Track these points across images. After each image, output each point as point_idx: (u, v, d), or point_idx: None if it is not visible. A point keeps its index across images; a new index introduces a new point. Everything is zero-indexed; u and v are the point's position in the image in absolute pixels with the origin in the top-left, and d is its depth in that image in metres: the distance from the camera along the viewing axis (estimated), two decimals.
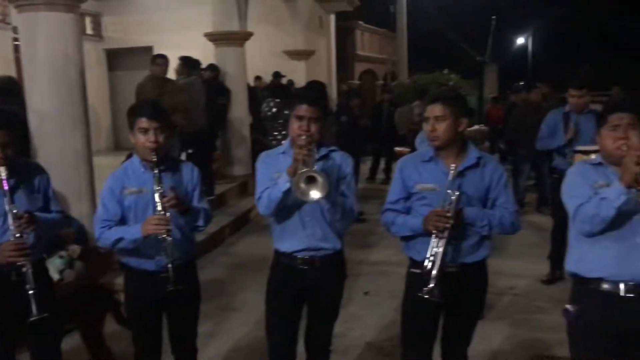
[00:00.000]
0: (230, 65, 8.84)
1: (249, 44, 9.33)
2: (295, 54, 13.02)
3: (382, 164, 11.24)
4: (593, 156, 4.46)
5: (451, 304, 2.86)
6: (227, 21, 8.77)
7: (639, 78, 21.38)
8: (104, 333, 4.10)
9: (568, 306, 2.62)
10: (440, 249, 2.68)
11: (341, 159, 2.97)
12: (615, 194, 2.36)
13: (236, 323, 4.70)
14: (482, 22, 22.46)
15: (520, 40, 34.38)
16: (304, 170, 2.60)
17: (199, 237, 6.33)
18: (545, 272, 5.46)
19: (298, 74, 12.71)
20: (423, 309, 2.85)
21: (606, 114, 2.58)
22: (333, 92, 15.96)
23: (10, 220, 2.73)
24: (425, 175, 2.84)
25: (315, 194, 2.60)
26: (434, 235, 2.69)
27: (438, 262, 2.67)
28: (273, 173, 2.91)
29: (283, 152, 2.98)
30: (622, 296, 2.48)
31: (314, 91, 3.58)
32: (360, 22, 21.69)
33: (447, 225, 2.65)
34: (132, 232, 2.86)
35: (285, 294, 2.99)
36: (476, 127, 14.37)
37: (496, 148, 11.88)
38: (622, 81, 17.79)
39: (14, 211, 2.72)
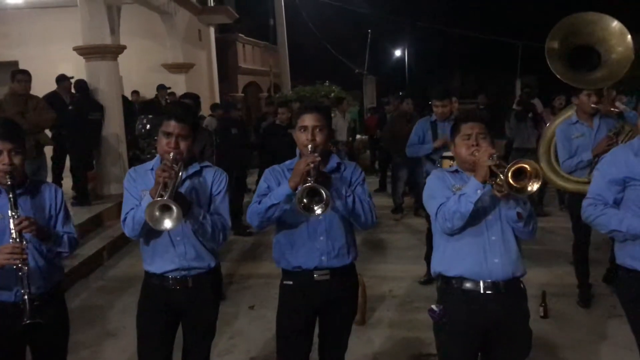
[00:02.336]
0: (102, 80, 8.48)
1: (124, 58, 9.01)
2: (175, 68, 12.76)
3: None
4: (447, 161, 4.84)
5: (324, 311, 2.92)
6: (97, 34, 8.41)
7: (503, 86, 23.15)
8: None
9: (433, 306, 2.76)
10: None
11: (214, 176, 2.92)
12: (472, 189, 2.54)
13: (115, 350, 4.48)
14: (360, 35, 23.31)
15: (397, 53, 36.02)
16: (158, 199, 2.48)
17: (74, 261, 6.02)
18: (422, 273, 5.71)
19: (178, 88, 12.41)
20: (296, 319, 2.89)
21: (459, 124, 2.78)
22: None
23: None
24: None
25: (167, 224, 2.49)
26: None
27: None
28: (140, 191, 2.81)
29: (152, 169, 2.87)
30: (482, 293, 2.65)
31: (183, 106, 3.51)
32: (241, 35, 21.66)
33: None
34: None
35: (157, 316, 2.88)
36: (358, 137, 14.87)
37: (376, 155, 12.33)
38: (489, 88, 19.22)
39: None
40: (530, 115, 8.11)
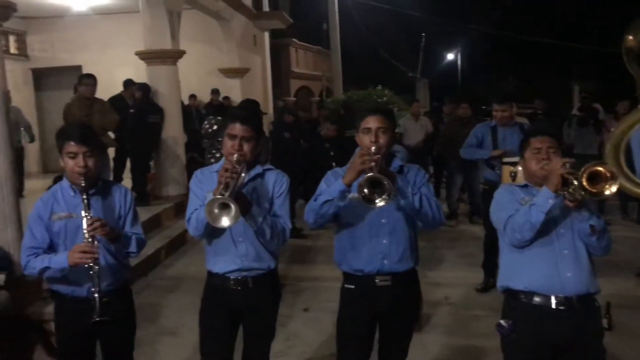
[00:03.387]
0: (162, 84, 8.70)
1: (182, 63, 9.23)
2: (230, 72, 12.98)
3: None
4: (520, 167, 4.70)
5: (384, 317, 2.90)
6: (158, 39, 8.64)
7: (558, 90, 22.54)
8: None
9: (501, 321, 2.69)
10: None
11: (276, 178, 2.95)
12: (543, 199, 2.48)
13: (174, 348, 4.59)
14: (413, 39, 23.16)
15: (450, 56, 35.61)
16: (218, 196, 2.52)
17: (134, 260, 6.15)
18: (479, 281, 5.61)
19: (233, 92, 12.66)
20: (357, 324, 2.88)
21: (528, 137, 2.75)
22: (270, 109, 15.98)
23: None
24: None
25: (225, 222, 2.52)
26: None
27: None
28: (205, 192, 2.87)
29: (217, 170, 2.91)
30: (553, 309, 2.57)
31: (247, 110, 3.57)
32: (294, 40, 21.87)
33: None
34: (58, 261, 2.75)
35: (219, 316, 2.93)
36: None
37: (429, 160, 12.18)
38: (543, 93, 18.69)
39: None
40: (592, 121, 7.87)
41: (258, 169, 2.94)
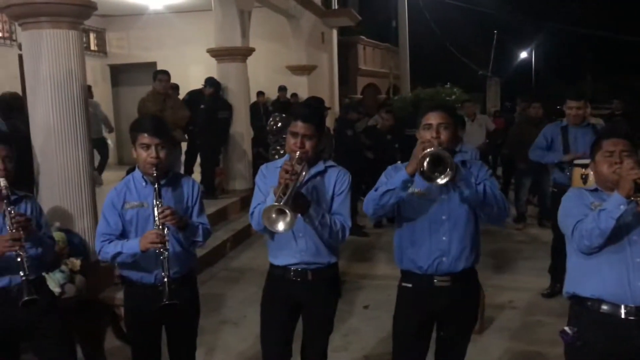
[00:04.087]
0: (232, 81, 8.91)
1: (251, 60, 9.41)
2: (298, 69, 13.11)
3: None
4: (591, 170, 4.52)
5: (442, 317, 2.87)
6: (229, 37, 8.86)
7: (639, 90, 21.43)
8: (105, 348, 4.13)
9: (566, 328, 2.61)
10: None
11: (337, 176, 2.97)
12: (614, 204, 2.38)
13: (236, 337, 4.71)
14: (485, 36, 22.61)
15: (523, 54, 34.50)
16: (275, 204, 2.56)
17: (200, 251, 6.37)
18: (545, 286, 5.45)
19: (300, 89, 12.78)
20: (413, 324, 2.87)
21: (601, 139, 2.65)
22: (336, 106, 16.03)
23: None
24: None
25: (280, 226, 2.57)
26: None
27: None
28: (269, 187, 2.92)
29: (281, 166, 2.94)
30: (622, 319, 2.47)
31: (309, 108, 3.62)
32: (362, 37, 21.81)
33: None
34: (130, 246, 2.89)
35: (278, 306, 3.00)
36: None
37: (498, 161, 11.88)
38: (623, 94, 17.85)
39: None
40: None
41: (320, 166, 2.98)
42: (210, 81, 8.57)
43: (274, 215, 2.57)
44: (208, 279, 6.20)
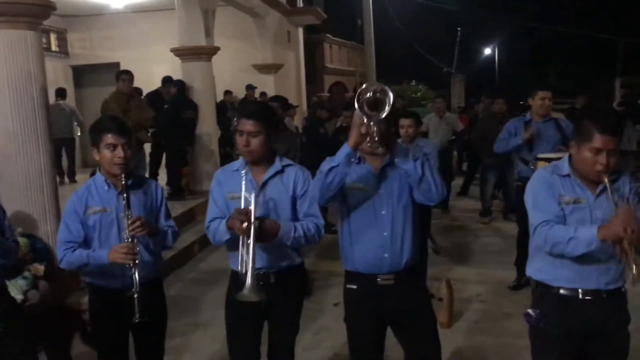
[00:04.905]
0: (197, 80, 8.83)
1: (217, 59, 9.35)
2: (264, 68, 13.07)
3: None
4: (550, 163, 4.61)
5: (395, 317, 2.78)
6: (193, 36, 8.78)
7: (600, 86, 21.96)
8: (72, 354, 4.04)
9: (529, 310, 2.66)
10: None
11: (297, 176, 2.89)
12: (586, 241, 2.36)
13: (205, 339, 4.67)
14: (449, 33, 22.88)
15: (487, 51, 35.01)
16: (245, 295, 2.57)
17: (168, 253, 6.29)
18: (512, 279, 5.53)
19: (267, 88, 12.75)
20: (366, 326, 2.77)
21: (592, 130, 2.43)
22: (303, 105, 16.04)
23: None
24: None
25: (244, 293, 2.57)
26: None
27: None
28: (226, 192, 2.85)
29: (237, 169, 2.89)
30: (581, 299, 2.54)
31: (255, 104, 3.53)
32: (328, 35, 21.87)
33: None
34: (97, 258, 2.82)
35: (243, 312, 2.90)
36: None
37: (464, 157, 12.05)
38: (584, 89, 18.27)
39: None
40: (632, 117, 7.64)
41: (277, 166, 2.89)
42: (167, 79, 8.50)
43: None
44: (177, 281, 6.13)
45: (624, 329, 2.62)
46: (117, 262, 2.75)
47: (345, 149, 2.52)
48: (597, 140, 2.41)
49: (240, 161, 2.92)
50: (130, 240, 2.73)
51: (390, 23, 22.45)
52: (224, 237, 2.76)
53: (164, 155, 8.90)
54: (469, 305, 5.15)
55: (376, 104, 2.37)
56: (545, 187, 2.58)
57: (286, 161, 2.95)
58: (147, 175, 8.89)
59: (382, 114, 2.36)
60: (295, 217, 2.88)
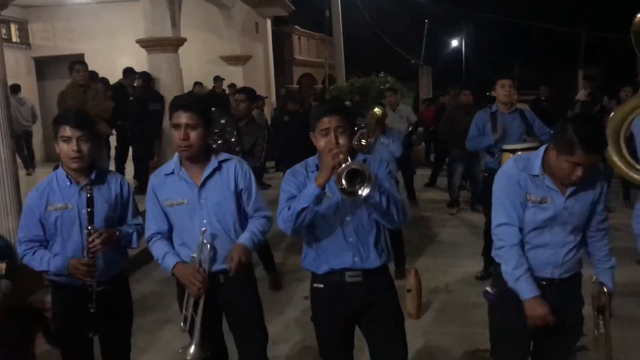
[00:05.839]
0: (164, 72, 8.67)
1: (184, 50, 9.20)
2: (232, 60, 12.95)
3: None
4: (520, 154, 4.67)
5: (363, 315, 2.74)
6: (159, 27, 8.61)
7: (564, 77, 22.38)
8: (35, 354, 3.95)
9: (488, 288, 2.79)
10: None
11: (236, 169, 2.81)
12: (525, 292, 2.58)
13: (173, 335, 4.60)
14: (417, 25, 23.01)
15: (454, 43, 35.30)
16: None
17: (135, 250, 6.17)
18: (479, 269, 5.61)
19: (236, 80, 12.64)
20: (332, 325, 2.75)
21: (577, 148, 2.39)
22: (273, 96, 15.96)
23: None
24: None
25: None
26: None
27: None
28: (163, 201, 2.77)
29: (171, 172, 2.79)
30: (537, 283, 2.63)
31: (190, 96, 3.45)
32: (297, 27, 21.78)
33: None
34: (56, 266, 2.77)
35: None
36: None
37: (431, 148, 12.16)
38: (549, 81, 18.61)
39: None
40: (597, 107, 7.79)
41: (214, 163, 2.79)
42: (129, 71, 8.33)
43: None
44: (144, 277, 6.05)
45: (578, 311, 2.74)
46: (76, 276, 2.70)
47: (314, 189, 2.45)
48: (580, 157, 2.40)
49: (174, 161, 2.81)
50: (90, 257, 2.66)
51: (359, 14, 22.45)
52: (167, 273, 2.74)
53: (131, 149, 8.75)
54: (436, 295, 5.21)
55: (354, 174, 2.34)
56: (510, 187, 2.62)
57: (222, 156, 2.85)
58: (112, 169, 8.76)
59: (365, 188, 2.33)
60: (240, 213, 2.83)
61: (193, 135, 2.67)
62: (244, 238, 2.78)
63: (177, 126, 2.68)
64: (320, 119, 2.55)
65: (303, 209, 2.48)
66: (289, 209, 2.53)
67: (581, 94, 10.49)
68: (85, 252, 2.69)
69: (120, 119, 8.25)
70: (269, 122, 11.33)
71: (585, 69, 21.15)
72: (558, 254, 2.64)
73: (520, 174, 2.62)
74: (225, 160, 2.84)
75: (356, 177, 2.34)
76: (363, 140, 5.43)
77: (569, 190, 2.57)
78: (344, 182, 2.33)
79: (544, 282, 2.65)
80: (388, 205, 2.51)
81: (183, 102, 2.73)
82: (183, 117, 2.67)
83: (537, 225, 2.62)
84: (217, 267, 2.80)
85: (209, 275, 2.73)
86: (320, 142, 2.57)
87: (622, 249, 6.18)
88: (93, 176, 2.86)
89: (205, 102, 2.92)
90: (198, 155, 2.75)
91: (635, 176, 4.68)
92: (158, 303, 5.31)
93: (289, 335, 4.51)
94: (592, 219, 2.67)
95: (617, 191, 8.32)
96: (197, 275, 2.65)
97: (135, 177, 8.49)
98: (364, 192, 2.33)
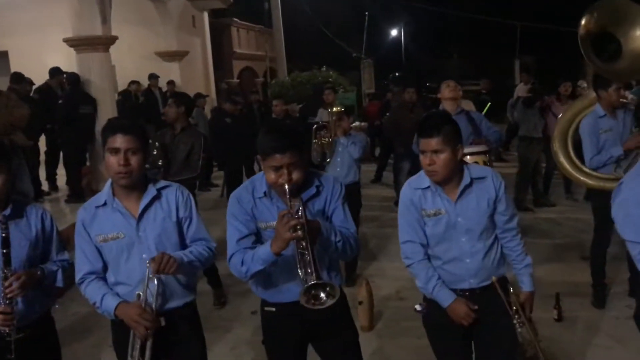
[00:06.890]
0: (94, 72, 8.23)
1: (117, 47, 8.75)
2: (168, 56, 12.54)
3: None
4: (468, 158, 4.59)
5: (315, 338, 2.67)
6: (88, 25, 8.15)
7: (502, 67, 22.89)
8: None
9: (417, 305, 2.95)
10: None
11: (176, 196, 2.57)
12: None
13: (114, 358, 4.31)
14: (357, 17, 22.93)
15: (394, 33, 35.52)
16: None
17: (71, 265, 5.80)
18: None
19: (173, 76, 12.24)
20: (286, 347, 2.65)
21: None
22: (212, 92, 15.55)
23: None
24: None
25: None
26: None
27: None
28: (95, 236, 2.49)
29: (103, 204, 2.51)
30: (460, 294, 2.69)
31: (127, 119, 3.19)
32: (235, 19, 21.31)
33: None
34: None
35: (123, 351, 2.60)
36: (357, 123, 14.55)
37: (375, 143, 12.11)
38: (486, 70, 18.99)
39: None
40: (539, 103, 7.86)
41: (152, 191, 2.53)
42: (55, 70, 7.85)
43: None
44: (79, 295, 5.63)
45: (506, 317, 2.72)
46: None
47: (270, 256, 2.33)
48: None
49: (105, 191, 2.54)
50: (7, 303, 2.36)
51: (299, 6, 22.16)
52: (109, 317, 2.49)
53: (61, 155, 8.27)
54: (388, 303, 5.09)
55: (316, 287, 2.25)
56: (404, 208, 2.71)
57: (160, 183, 2.60)
58: (42, 176, 8.23)
59: (331, 300, 2.26)
60: (183, 244, 2.60)
61: (134, 160, 2.40)
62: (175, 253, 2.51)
63: (115, 150, 2.39)
64: (272, 155, 2.32)
65: (258, 271, 2.41)
66: (242, 263, 2.41)
67: (521, 89, 10.62)
68: (1, 298, 2.37)
69: (49, 122, 7.75)
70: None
71: (521, 57, 21.68)
72: (470, 264, 2.66)
73: (414, 192, 2.68)
74: (164, 187, 2.57)
75: (320, 288, 2.25)
76: (324, 139, 5.51)
77: (459, 189, 2.61)
78: (305, 299, 2.24)
79: (467, 293, 2.68)
80: (344, 249, 2.47)
81: (121, 125, 2.43)
82: (122, 141, 2.38)
83: (440, 238, 2.66)
84: (162, 306, 2.53)
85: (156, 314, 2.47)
86: (270, 175, 2.37)
87: (564, 245, 6.28)
88: (8, 211, 2.51)
89: (142, 126, 2.63)
90: (136, 184, 2.48)
91: (582, 178, 4.70)
92: (96, 323, 4.96)
93: (236, 357, 4.28)
94: (496, 220, 2.69)
95: (558, 184, 8.47)
96: (145, 315, 2.39)
97: (67, 183, 8.05)
98: (328, 302, 2.26)
